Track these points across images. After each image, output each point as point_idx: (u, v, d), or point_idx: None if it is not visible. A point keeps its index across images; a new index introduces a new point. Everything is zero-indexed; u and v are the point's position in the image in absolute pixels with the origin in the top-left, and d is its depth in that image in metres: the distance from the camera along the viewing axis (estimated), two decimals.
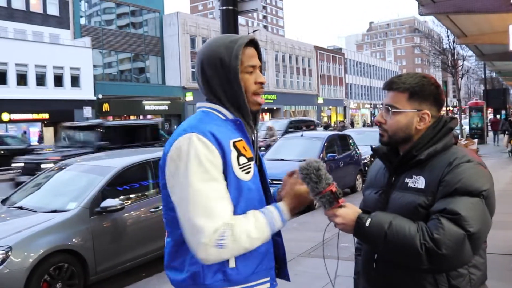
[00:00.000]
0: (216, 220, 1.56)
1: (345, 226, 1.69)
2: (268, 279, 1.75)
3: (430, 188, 1.66)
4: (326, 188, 1.65)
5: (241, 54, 1.74)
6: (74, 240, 5.00)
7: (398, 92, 1.79)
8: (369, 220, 1.65)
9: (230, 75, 1.72)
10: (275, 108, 56.11)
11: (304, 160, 1.69)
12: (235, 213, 1.64)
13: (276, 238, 1.87)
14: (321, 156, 10.59)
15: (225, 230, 1.56)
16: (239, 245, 1.58)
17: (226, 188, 1.63)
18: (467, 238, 1.54)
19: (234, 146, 1.68)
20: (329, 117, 64.88)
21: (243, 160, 1.68)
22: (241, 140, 1.72)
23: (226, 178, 1.64)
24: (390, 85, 1.82)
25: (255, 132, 1.89)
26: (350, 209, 1.70)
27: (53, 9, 35.10)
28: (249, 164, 1.70)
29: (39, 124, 33.04)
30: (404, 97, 1.78)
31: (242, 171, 1.67)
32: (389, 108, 1.80)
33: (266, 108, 54.89)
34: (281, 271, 1.96)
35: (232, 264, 1.67)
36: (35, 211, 5.35)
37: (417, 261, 1.56)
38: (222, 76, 1.74)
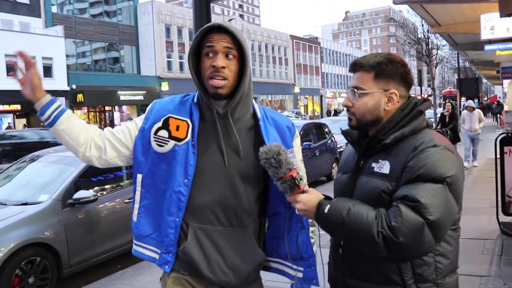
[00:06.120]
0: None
1: (306, 212, 1.65)
2: (158, 250, 1.85)
3: (394, 173, 1.60)
4: (286, 173, 1.63)
5: (200, 37, 1.75)
6: (46, 233, 4.89)
7: (363, 72, 1.72)
8: (328, 206, 1.60)
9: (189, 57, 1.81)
10: None
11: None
12: (141, 170, 1.87)
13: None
14: None
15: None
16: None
17: (130, 134, 1.89)
18: (427, 227, 1.47)
19: (165, 120, 1.84)
20: (306, 106, 65.11)
21: (162, 133, 1.83)
22: (184, 121, 1.83)
23: (144, 134, 1.86)
24: (355, 66, 1.76)
25: (216, 114, 1.82)
26: (312, 195, 1.66)
27: None
28: (166, 141, 1.82)
29: (11, 115, 32.26)
30: (369, 77, 1.71)
31: (155, 141, 1.84)
32: (355, 90, 1.73)
33: None
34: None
35: (134, 218, 1.92)
36: (5, 204, 5.22)
37: (375, 250, 1.51)
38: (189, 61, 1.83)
